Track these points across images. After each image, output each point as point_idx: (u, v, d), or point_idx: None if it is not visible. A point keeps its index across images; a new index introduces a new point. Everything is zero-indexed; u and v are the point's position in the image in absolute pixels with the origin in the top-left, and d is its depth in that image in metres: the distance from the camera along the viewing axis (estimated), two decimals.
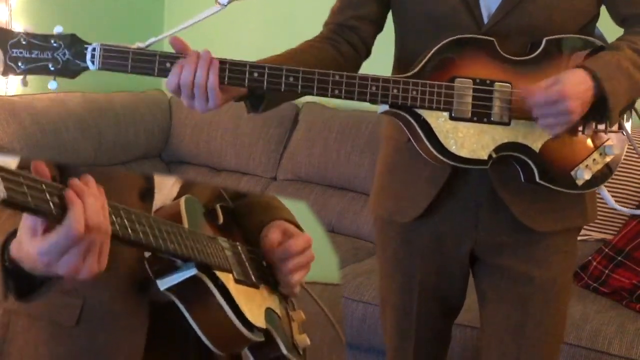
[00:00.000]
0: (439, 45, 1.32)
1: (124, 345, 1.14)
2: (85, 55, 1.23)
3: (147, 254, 1.11)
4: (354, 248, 2.83)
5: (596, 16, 1.43)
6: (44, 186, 0.85)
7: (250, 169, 3.32)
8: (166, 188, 1.26)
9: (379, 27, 1.51)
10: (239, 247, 1.29)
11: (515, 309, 1.47)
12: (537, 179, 1.35)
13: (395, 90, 1.30)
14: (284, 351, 1.25)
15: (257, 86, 1.27)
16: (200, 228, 1.21)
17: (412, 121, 1.33)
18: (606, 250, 2.46)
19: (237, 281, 1.19)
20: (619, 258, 2.41)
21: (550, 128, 1.30)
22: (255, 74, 1.26)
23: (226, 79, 1.25)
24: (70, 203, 0.88)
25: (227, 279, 1.16)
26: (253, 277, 1.26)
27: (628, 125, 1.42)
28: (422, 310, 1.57)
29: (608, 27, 1.45)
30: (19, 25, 3.08)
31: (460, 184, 1.44)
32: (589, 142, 1.38)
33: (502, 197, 1.41)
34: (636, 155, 1.56)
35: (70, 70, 1.24)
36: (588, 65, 1.30)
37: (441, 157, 1.33)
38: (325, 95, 1.29)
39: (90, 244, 0.91)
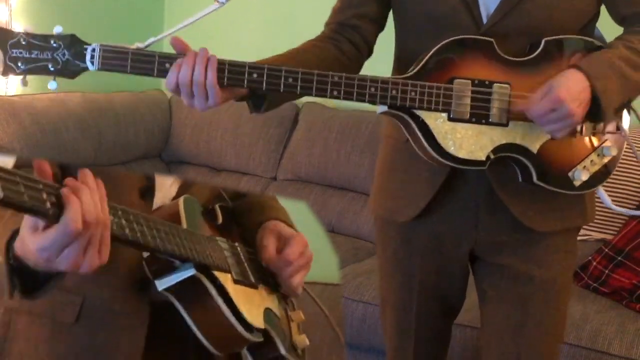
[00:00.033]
0: (438, 46, 1.32)
1: (124, 343, 1.14)
2: (84, 55, 1.23)
3: (145, 254, 1.11)
4: (354, 248, 2.83)
5: (596, 16, 1.43)
6: (41, 186, 0.85)
7: (250, 169, 3.32)
8: (165, 188, 1.27)
9: (380, 26, 1.51)
10: (238, 248, 1.29)
11: (515, 308, 1.48)
12: (535, 180, 1.35)
13: (394, 91, 1.30)
14: (283, 351, 1.25)
15: (256, 87, 1.27)
16: (199, 228, 1.22)
17: (411, 122, 1.33)
18: (606, 250, 2.46)
19: (235, 281, 1.20)
20: (619, 258, 2.41)
21: (555, 133, 1.31)
22: (255, 75, 1.26)
23: (225, 79, 1.25)
24: (67, 201, 0.88)
25: (225, 279, 1.16)
26: (252, 278, 1.26)
27: (626, 126, 1.42)
28: (422, 309, 1.57)
29: (608, 27, 1.45)
30: (19, 25, 3.08)
31: (459, 185, 1.45)
32: (587, 143, 1.38)
33: (501, 198, 1.42)
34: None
35: (69, 70, 1.24)
36: (579, 65, 1.31)
37: (439, 158, 1.33)
38: (324, 96, 1.29)
39: (91, 237, 0.92)
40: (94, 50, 1.23)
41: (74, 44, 1.24)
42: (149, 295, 1.15)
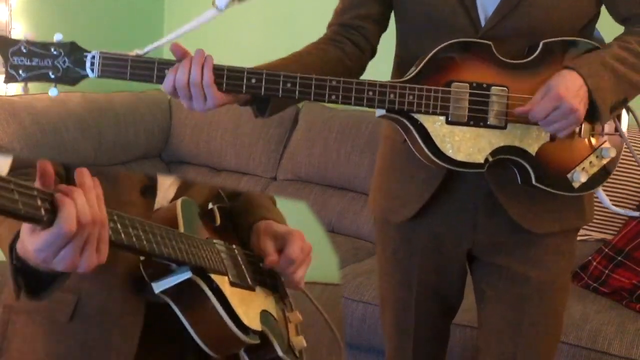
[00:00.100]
0: (435, 50, 1.32)
1: (117, 342, 1.14)
2: (84, 62, 1.24)
3: (142, 257, 1.12)
4: (354, 248, 2.83)
5: (596, 16, 1.42)
6: (35, 192, 0.85)
7: (250, 169, 3.32)
8: (163, 188, 1.27)
9: (383, 27, 1.51)
10: (236, 250, 1.29)
11: (512, 309, 1.48)
12: (534, 182, 1.35)
13: (392, 95, 1.30)
14: (280, 353, 1.26)
15: (255, 92, 1.27)
16: (197, 230, 1.22)
17: (409, 125, 1.33)
18: (606, 250, 2.46)
19: (232, 284, 1.20)
20: (619, 258, 2.41)
21: (559, 132, 1.30)
22: (253, 80, 1.26)
23: (224, 85, 1.25)
24: (60, 204, 0.89)
25: (222, 281, 1.17)
26: (249, 280, 1.26)
27: (624, 127, 1.42)
28: (421, 309, 1.57)
29: (608, 28, 1.45)
30: (19, 25, 3.08)
31: (457, 186, 1.45)
32: (586, 144, 1.38)
33: (499, 200, 1.42)
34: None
35: (70, 77, 1.25)
36: (571, 65, 1.31)
37: (438, 161, 1.33)
38: (323, 101, 1.29)
39: (88, 237, 0.92)
40: (93, 57, 1.23)
41: (74, 51, 1.24)
42: (146, 296, 1.15)
